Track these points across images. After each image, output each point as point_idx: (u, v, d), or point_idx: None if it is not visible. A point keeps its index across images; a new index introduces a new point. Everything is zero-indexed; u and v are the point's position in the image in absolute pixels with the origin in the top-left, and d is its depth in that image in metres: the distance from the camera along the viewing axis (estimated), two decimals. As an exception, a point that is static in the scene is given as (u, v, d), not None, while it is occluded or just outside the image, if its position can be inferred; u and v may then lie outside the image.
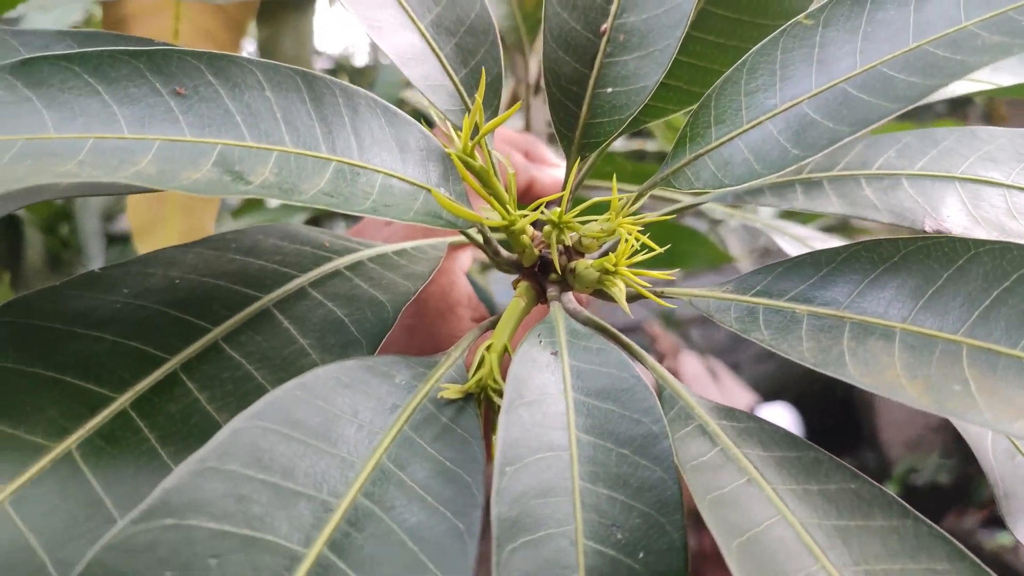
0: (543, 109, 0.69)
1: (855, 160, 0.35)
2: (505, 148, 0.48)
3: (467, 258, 0.46)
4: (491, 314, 0.44)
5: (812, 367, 0.27)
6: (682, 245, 0.72)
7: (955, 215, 0.32)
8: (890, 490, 0.27)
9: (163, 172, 0.26)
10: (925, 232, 0.31)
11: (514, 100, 0.71)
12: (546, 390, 0.28)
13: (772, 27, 0.33)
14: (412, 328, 0.43)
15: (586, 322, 0.36)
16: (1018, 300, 0.26)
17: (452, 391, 0.28)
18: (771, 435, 0.29)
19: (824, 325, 0.28)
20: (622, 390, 0.29)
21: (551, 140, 0.64)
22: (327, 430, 0.26)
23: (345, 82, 0.31)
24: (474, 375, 0.30)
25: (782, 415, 2.34)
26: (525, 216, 0.31)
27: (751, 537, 0.25)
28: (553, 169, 0.50)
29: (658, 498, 0.26)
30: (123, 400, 0.29)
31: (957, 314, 0.27)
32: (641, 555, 0.25)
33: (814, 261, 0.30)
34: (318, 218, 0.98)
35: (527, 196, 0.50)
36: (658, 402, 0.28)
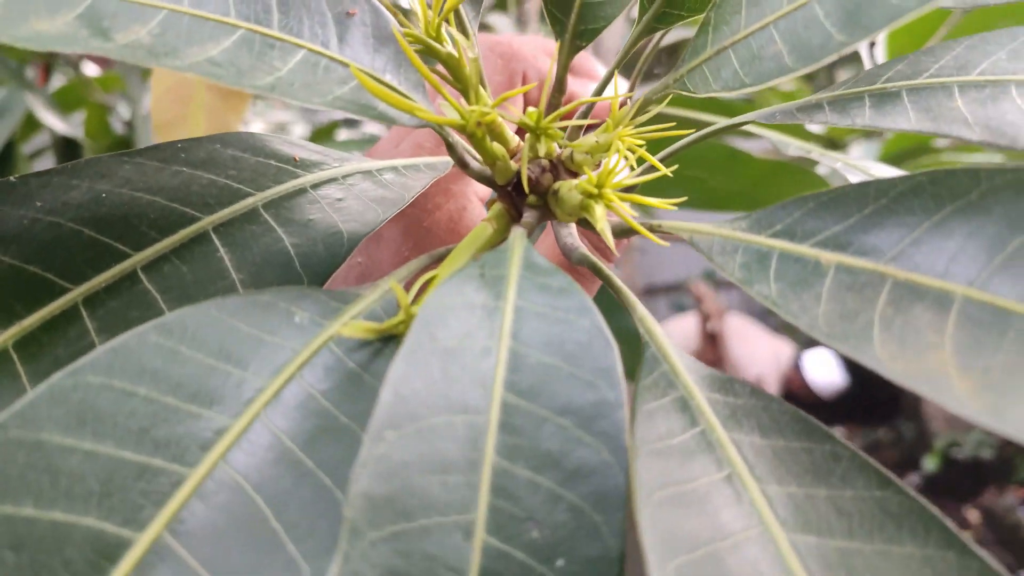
0: None
1: (950, 64, 0.26)
2: (545, 60, 0.40)
3: None
4: None
5: (825, 340, 0.19)
6: (780, 178, 0.62)
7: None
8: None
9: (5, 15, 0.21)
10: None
11: None
12: (474, 335, 0.22)
13: None
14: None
15: (580, 261, 0.29)
16: None
17: (359, 328, 0.23)
18: (776, 417, 0.22)
19: (856, 283, 0.20)
20: (577, 343, 0.22)
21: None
22: (190, 384, 0.21)
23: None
24: (402, 311, 0.24)
25: (828, 360, 2.22)
26: (486, 113, 0.24)
27: (707, 555, 0.18)
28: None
29: (597, 488, 0.20)
30: (5, 337, 0.24)
31: (1050, 277, 0.19)
32: (560, 562, 0.19)
33: (859, 195, 0.22)
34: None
35: (567, 115, 0.43)
36: (619, 363, 0.21)
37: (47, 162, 1.00)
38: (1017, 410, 0.17)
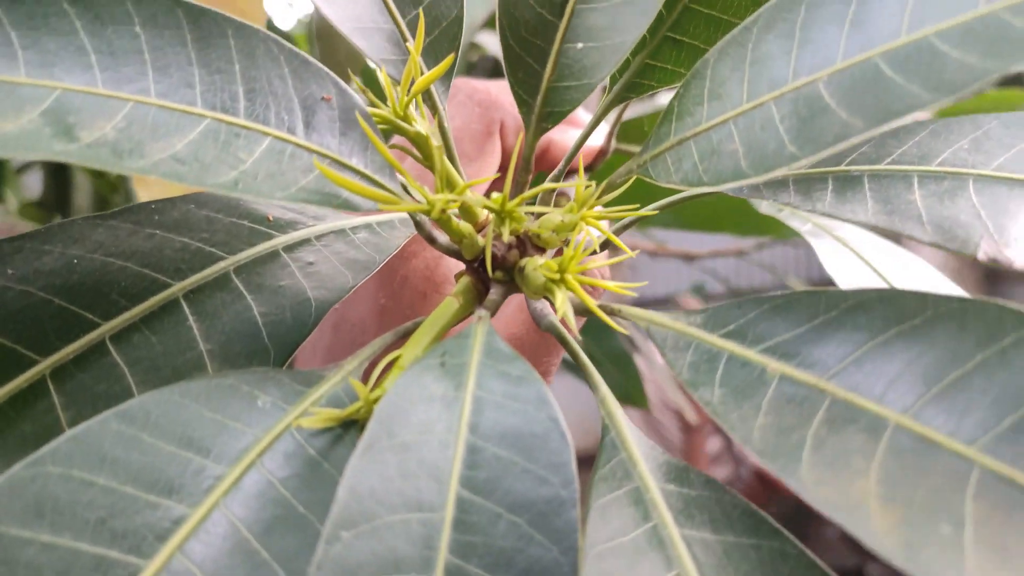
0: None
1: (913, 151, 0.27)
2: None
3: None
4: None
5: (757, 456, 0.20)
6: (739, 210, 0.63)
7: (1030, 238, 0.23)
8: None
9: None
10: (976, 258, 0.23)
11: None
12: (432, 428, 0.22)
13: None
14: (386, 311, 0.38)
15: (548, 329, 0.29)
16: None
17: (319, 418, 0.23)
18: (728, 511, 0.23)
19: (796, 395, 0.21)
20: (532, 435, 0.22)
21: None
22: (150, 473, 0.21)
23: (243, 20, 0.25)
24: (363, 397, 0.24)
25: None
26: (452, 200, 0.25)
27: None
28: (578, 130, 0.43)
29: (546, 589, 0.20)
30: (-29, 413, 0.25)
31: (982, 416, 0.19)
32: (508, 664, 0.20)
33: (811, 303, 0.22)
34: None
35: (543, 161, 0.43)
36: (573, 458, 0.22)
37: (36, 177, 1.00)
38: (928, 551, 0.17)
